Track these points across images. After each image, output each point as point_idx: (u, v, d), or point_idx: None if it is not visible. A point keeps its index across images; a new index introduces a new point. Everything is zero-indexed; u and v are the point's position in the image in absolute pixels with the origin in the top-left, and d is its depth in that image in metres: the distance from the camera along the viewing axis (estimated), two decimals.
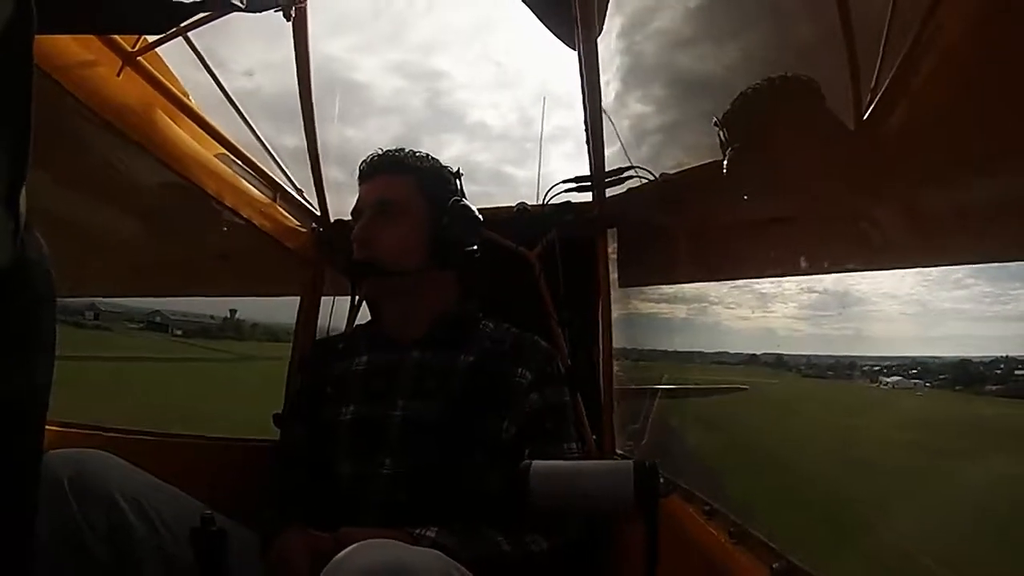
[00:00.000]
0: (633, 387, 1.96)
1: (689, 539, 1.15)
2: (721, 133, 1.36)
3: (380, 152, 1.45)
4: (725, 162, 1.35)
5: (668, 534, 0.86)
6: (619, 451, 1.66)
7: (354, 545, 0.85)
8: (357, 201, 1.45)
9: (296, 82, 1.63)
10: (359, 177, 1.46)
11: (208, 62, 1.52)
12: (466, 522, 1.16)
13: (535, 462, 0.92)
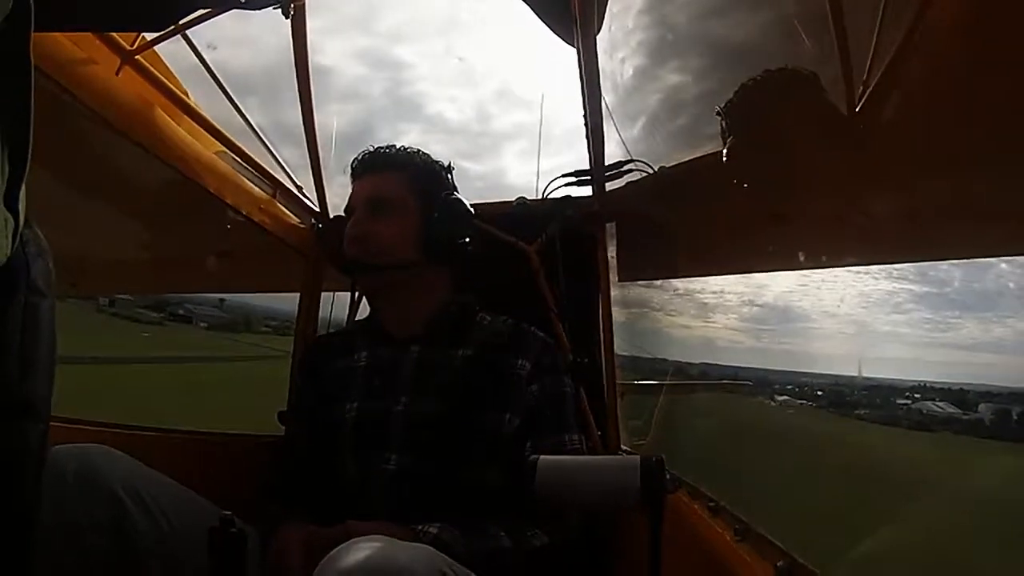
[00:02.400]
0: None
1: (693, 536, 1.16)
2: (723, 123, 1.37)
3: (371, 149, 1.46)
4: (725, 151, 1.36)
5: (673, 530, 0.87)
6: (624, 447, 1.67)
7: (347, 543, 0.86)
8: (350, 199, 1.46)
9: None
10: (351, 175, 1.47)
11: (207, 59, 1.51)
12: (469, 517, 1.17)
13: (542, 457, 0.93)
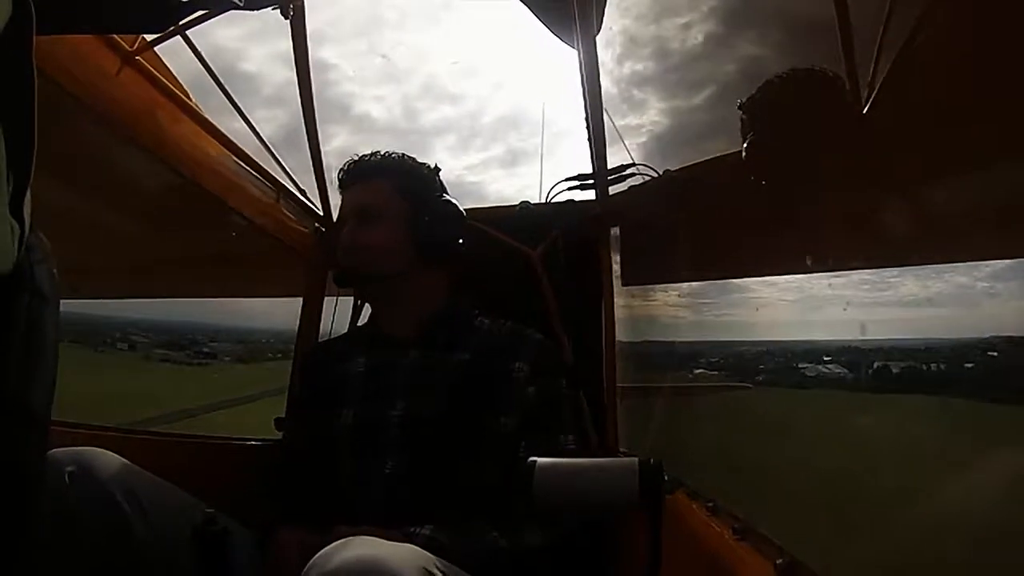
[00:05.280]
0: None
1: (693, 536, 1.15)
2: (743, 118, 1.36)
3: (356, 158, 1.45)
4: (744, 147, 1.35)
5: (672, 531, 0.86)
6: (623, 448, 1.65)
7: (334, 543, 0.86)
8: (340, 210, 1.47)
9: (296, 83, 1.64)
10: (339, 186, 1.47)
11: (208, 61, 1.51)
12: (464, 519, 1.16)
13: (539, 459, 0.92)
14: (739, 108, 1.38)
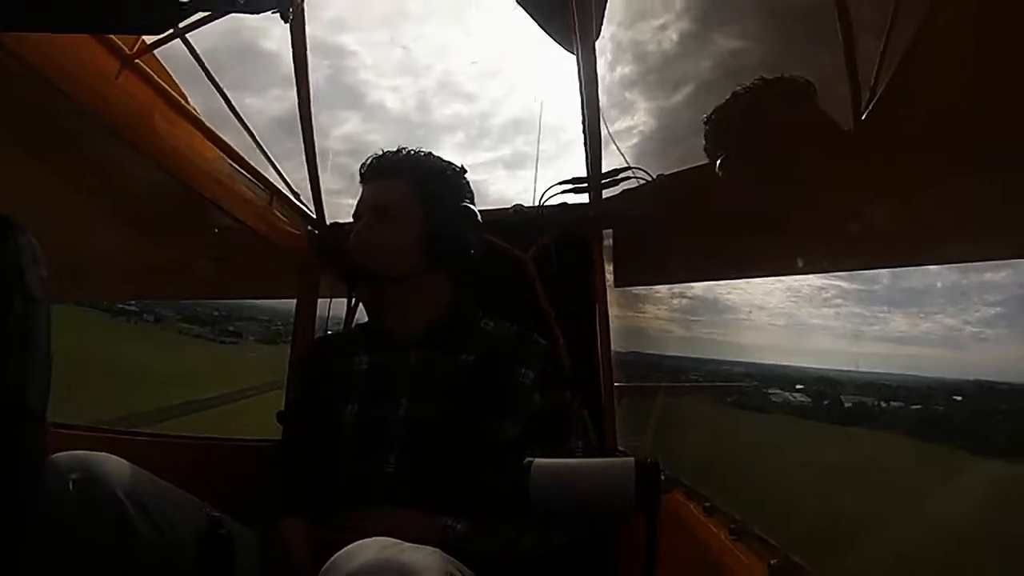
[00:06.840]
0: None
1: (689, 535, 1.16)
2: (707, 135, 1.37)
3: (380, 153, 1.44)
4: (718, 163, 1.36)
5: (668, 530, 0.87)
6: (620, 448, 1.66)
7: (354, 543, 0.85)
8: (357, 204, 1.45)
9: (294, 87, 1.64)
10: (360, 179, 1.45)
11: (207, 64, 1.51)
12: (474, 520, 1.17)
13: (536, 460, 0.92)
14: (704, 123, 1.39)
